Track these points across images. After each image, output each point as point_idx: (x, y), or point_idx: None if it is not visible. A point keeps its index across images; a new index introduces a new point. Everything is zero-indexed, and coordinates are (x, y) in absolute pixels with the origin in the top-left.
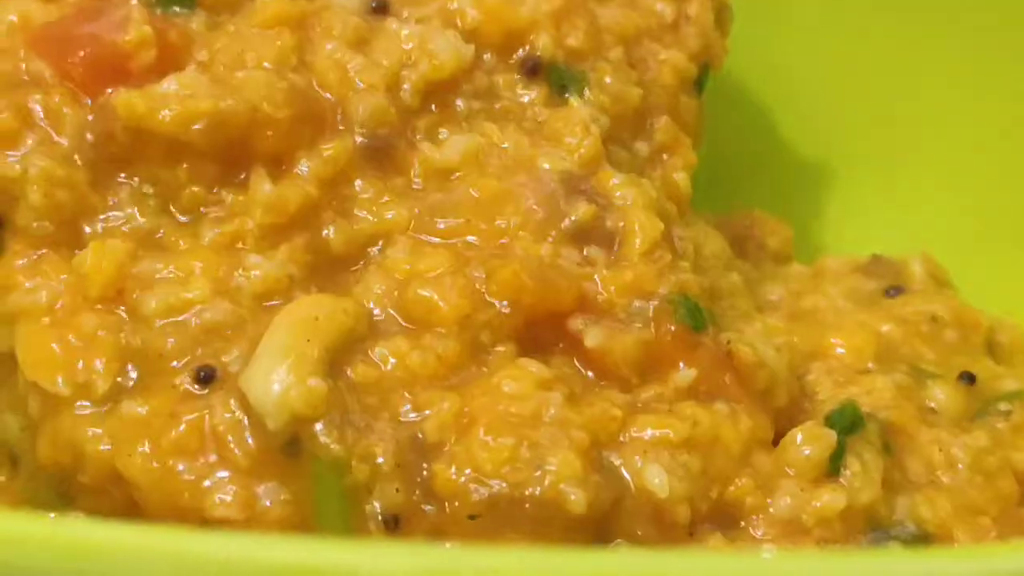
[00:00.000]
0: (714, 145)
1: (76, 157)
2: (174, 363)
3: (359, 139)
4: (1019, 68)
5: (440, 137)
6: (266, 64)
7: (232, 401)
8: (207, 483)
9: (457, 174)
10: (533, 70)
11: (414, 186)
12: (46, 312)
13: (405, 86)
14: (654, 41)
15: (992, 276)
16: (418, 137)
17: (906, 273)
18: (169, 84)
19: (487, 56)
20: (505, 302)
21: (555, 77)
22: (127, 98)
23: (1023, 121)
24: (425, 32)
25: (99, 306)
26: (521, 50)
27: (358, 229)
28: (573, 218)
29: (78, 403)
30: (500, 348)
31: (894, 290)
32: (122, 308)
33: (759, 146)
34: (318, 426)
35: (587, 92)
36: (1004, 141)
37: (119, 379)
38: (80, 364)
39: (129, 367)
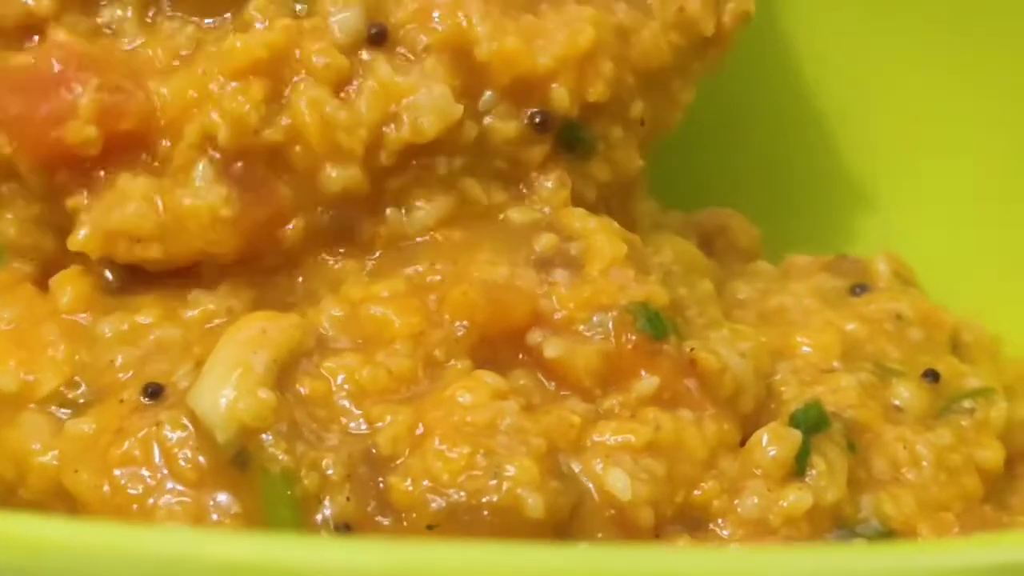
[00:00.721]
0: (687, 144)
1: None
2: (120, 375)
3: (323, 217)
4: (996, 66)
5: (414, 205)
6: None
7: (180, 416)
8: (154, 499)
9: (424, 238)
10: (543, 126)
11: (374, 256)
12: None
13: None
14: (678, 77)
15: (959, 276)
16: (387, 210)
17: (871, 272)
18: (120, 210)
19: (488, 94)
20: (459, 321)
21: (565, 135)
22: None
23: (994, 121)
24: (415, 83)
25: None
26: (531, 109)
27: (305, 284)
28: (537, 250)
29: (23, 410)
30: (455, 364)
31: (859, 288)
32: (82, 316)
33: (733, 145)
34: (266, 437)
35: (592, 161)
36: (974, 141)
37: (63, 388)
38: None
39: (77, 377)
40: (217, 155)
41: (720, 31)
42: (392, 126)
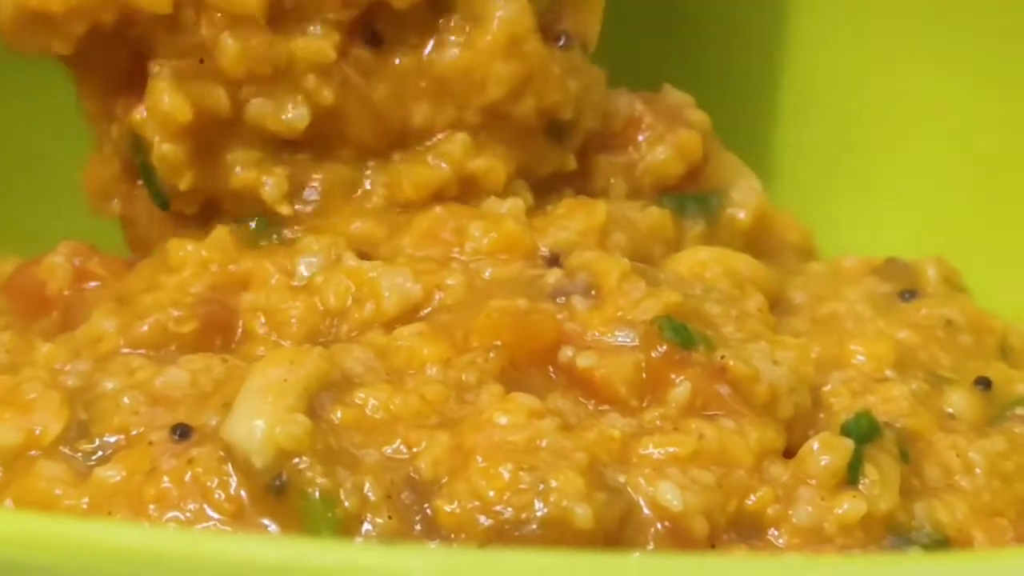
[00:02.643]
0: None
1: None
2: (135, 415)
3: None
4: None
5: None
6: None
7: (213, 450)
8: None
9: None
10: (553, 261)
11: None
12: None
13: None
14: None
15: (1004, 279)
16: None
17: (920, 276)
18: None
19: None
20: (487, 346)
21: (567, 277)
22: None
23: None
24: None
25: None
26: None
27: None
28: (551, 282)
29: (36, 459)
30: (486, 388)
31: (908, 294)
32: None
33: (775, 145)
34: (303, 461)
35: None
36: (1020, 145)
37: (73, 432)
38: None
39: (84, 416)
40: None
41: None
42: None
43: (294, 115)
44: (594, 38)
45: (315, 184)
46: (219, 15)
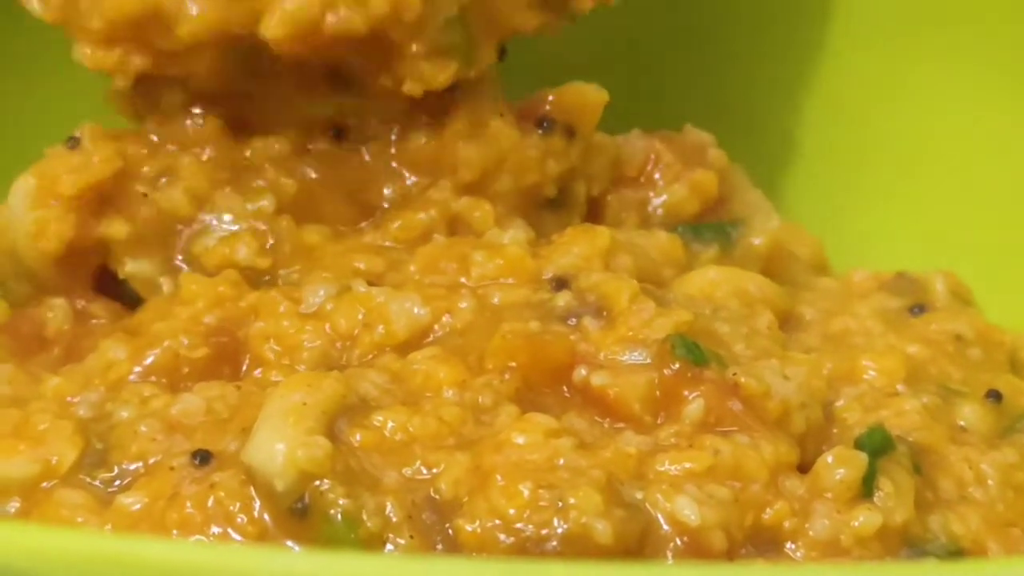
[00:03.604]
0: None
1: None
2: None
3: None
4: None
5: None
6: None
7: (235, 474)
8: None
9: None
10: (560, 285)
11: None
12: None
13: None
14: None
15: (1012, 292)
16: None
17: (929, 291)
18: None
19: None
20: (502, 368)
21: (577, 299)
22: None
23: None
24: None
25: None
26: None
27: None
28: (561, 304)
29: (55, 488)
30: (502, 409)
31: (918, 308)
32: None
33: (785, 158)
34: (324, 483)
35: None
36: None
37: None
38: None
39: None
40: None
41: None
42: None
43: (259, 205)
44: (587, 124)
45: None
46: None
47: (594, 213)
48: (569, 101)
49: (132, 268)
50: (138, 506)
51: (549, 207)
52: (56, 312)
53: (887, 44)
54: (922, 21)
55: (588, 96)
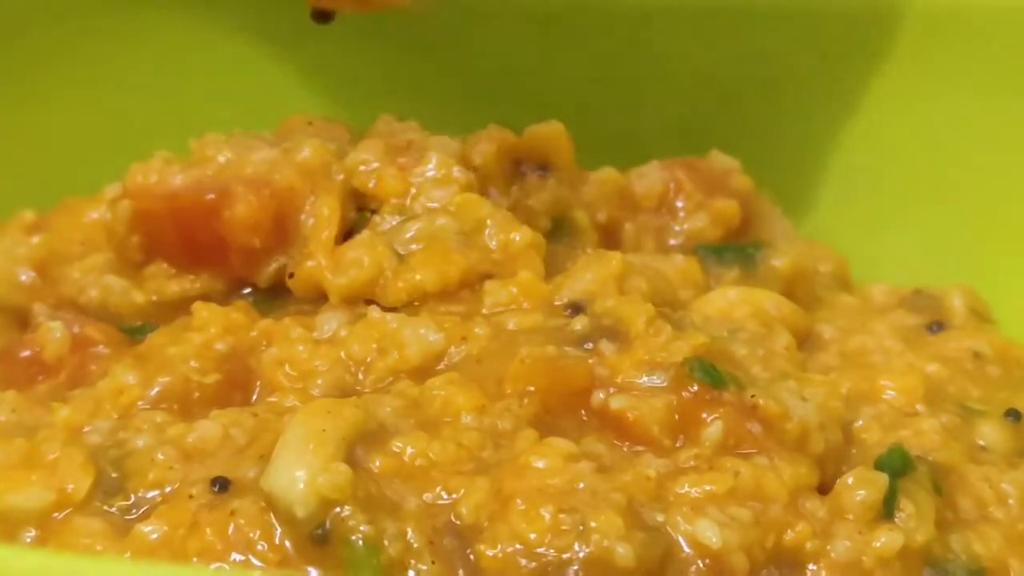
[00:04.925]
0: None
1: None
2: (176, 483)
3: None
4: None
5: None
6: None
7: (255, 501)
8: None
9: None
10: (576, 310)
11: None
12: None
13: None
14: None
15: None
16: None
17: (947, 307)
18: None
19: None
20: (521, 392)
21: (593, 324)
22: None
23: None
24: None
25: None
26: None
27: None
28: (577, 328)
29: (72, 516)
30: (521, 434)
31: (936, 326)
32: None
33: (810, 179)
34: (345, 510)
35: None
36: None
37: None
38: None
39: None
40: None
41: None
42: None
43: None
44: (560, 157)
45: None
46: None
47: (613, 241)
48: (535, 141)
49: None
50: (157, 535)
51: (552, 238)
52: (55, 336)
53: (905, 67)
54: (937, 46)
55: (552, 131)
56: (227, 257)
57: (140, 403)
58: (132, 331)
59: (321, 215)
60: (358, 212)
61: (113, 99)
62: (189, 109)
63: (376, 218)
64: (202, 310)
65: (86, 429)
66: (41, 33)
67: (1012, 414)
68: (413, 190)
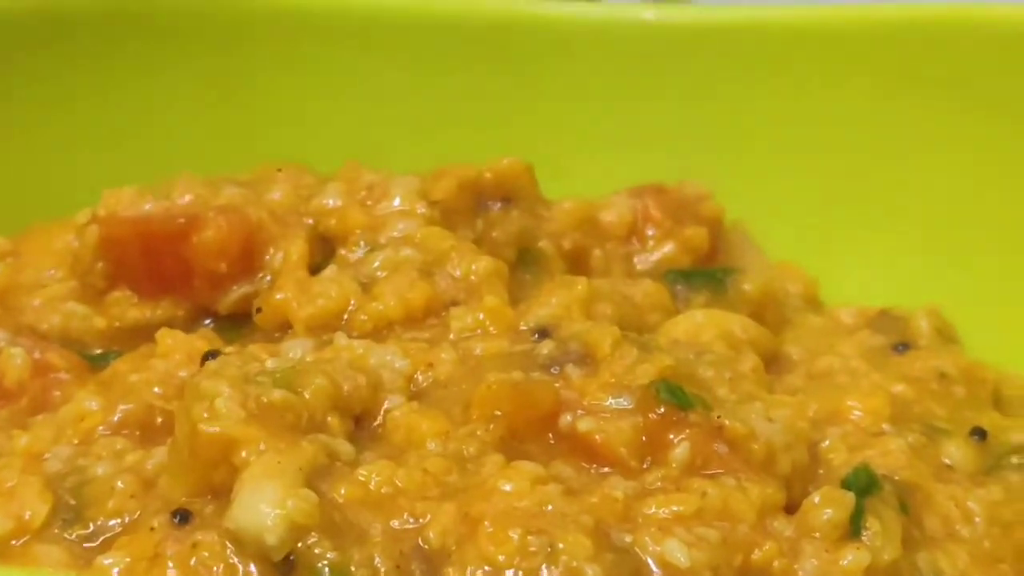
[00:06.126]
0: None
1: None
2: (136, 513)
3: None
4: None
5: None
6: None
7: (216, 534)
8: None
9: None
10: (542, 335)
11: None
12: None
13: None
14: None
15: (995, 329)
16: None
17: (913, 328)
18: None
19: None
20: (487, 417)
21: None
22: None
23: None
24: None
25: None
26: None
27: None
28: (544, 353)
29: (36, 545)
30: (487, 458)
31: (902, 346)
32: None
33: (770, 200)
34: (312, 537)
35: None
36: (1004, 198)
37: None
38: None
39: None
40: None
41: None
42: None
43: None
44: (521, 189)
45: None
46: None
47: (581, 267)
48: (496, 175)
49: None
50: (119, 567)
51: (517, 268)
52: (16, 363)
53: (871, 92)
54: (903, 72)
55: (512, 165)
56: (191, 283)
57: (101, 428)
58: (94, 358)
59: (289, 255)
60: (325, 249)
61: (88, 128)
62: (163, 145)
63: (342, 251)
64: (166, 337)
65: (46, 456)
66: (16, 59)
67: (977, 433)
68: (378, 224)
